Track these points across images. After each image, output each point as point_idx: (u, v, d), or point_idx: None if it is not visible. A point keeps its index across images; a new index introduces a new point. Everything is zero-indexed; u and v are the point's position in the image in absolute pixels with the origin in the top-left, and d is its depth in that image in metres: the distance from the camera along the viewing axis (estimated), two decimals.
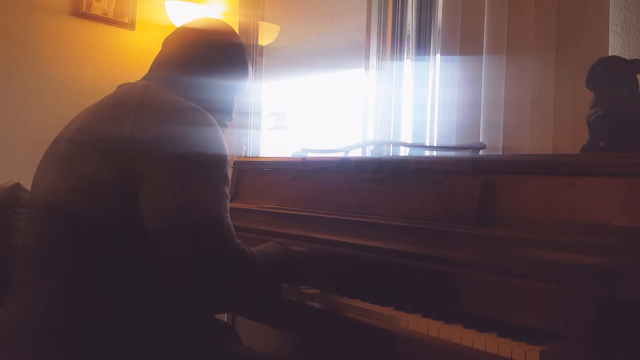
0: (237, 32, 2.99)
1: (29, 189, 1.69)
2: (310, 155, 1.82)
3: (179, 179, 1.08)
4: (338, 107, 3.40)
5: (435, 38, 2.32)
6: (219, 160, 1.14)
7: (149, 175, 1.08)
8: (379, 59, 2.49)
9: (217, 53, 1.34)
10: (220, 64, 1.34)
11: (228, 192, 1.14)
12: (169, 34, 1.39)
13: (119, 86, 1.31)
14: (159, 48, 1.36)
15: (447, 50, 2.15)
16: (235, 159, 2.19)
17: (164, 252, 1.06)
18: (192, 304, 1.12)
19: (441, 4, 2.26)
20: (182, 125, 1.12)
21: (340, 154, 1.72)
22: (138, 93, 1.20)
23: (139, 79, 1.32)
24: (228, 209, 1.12)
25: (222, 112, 1.36)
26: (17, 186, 1.66)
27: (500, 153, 1.90)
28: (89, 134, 1.17)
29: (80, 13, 2.95)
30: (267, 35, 3.09)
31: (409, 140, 2.29)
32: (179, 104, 1.18)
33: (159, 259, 1.07)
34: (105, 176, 1.10)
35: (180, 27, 1.39)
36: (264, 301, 1.37)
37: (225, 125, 1.40)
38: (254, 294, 1.19)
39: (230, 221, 1.11)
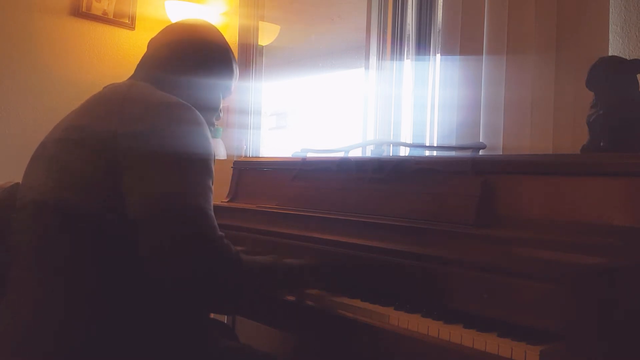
0: (237, 32, 3.01)
1: None
2: (310, 155, 1.82)
3: (160, 169, 1.09)
4: (338, 107, 3.39)
5: (435, 38, 2.32)
6: (202, 153, 1.14)
7: (132, 167, 1.09)
8: (379, 59, 2.49)
9: (201, 51, 1.36)
10: (204, 62, 1.35)
11: (212, 186, 1.14)
12: (155, 35, 1.41)
13: (105, 87, 1.32)
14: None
15: (447, 50, 2.15)
16: (235, 159, 2.19)
17: (145, 241, 1.06)
18: (175, 296, 1.11)
19: (441, 4, 2.26)
20: (166, 119, 1.14)
21: (340, 154, 1.72)
22: (122, 90, 1.22)
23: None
24: (211, 202, 1.12)
25: (207, 110, 1.37)
26: (17, 186, 1.65)
27: (500, 153, 1.90)
28: (75, 133, 1.18)
29: (80, 13, 2.95)
30: (267, 35, 3.08)
31: (409, 140, 2.29)
32: (163, 98, 1.19)
33: (140, 249, 1.07)
34: (93, 172, 1.11)
35: (165, 28, 1.42)
36: (253, 300, 1.35)
37: (213, 124, 1.41)
38: (234, 290, 1.15)
39: (212, 213, 1.11)
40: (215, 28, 1.44)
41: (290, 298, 1.34)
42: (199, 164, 1.13)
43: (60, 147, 1.19)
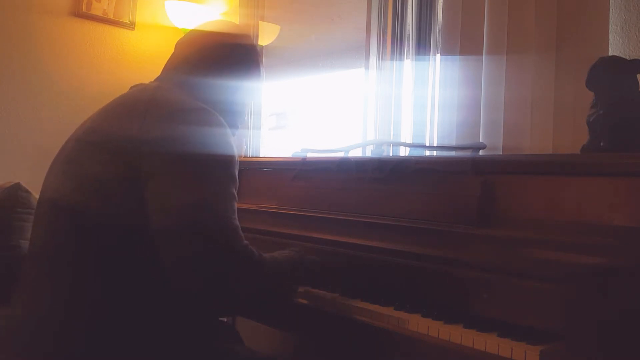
0: None
1: (29, 189, 1.69)
2: (310, 155, 1.82)
3: (184, 178, 1.08)
4: (338, 107, 3.40)
5: (435, 38, 2.32)
6: (225, 161, 1.13)
7: (154, 175, 1.08)
8: (379, 59, 2.49)
9: (230, 55, 1.34)
10: (233, 66, 1.34)
11: (235, 193, 1.13)
12: (183, 36, 1.40)
13: (132, 87, 1.31)
14: (159, 48, 1.36)
15: (447, 50, 2.15)
16: None
17: (169, 253, 1.06)
18: (197, 306, 1.12)
19: (441, 4, 2.26)
20: (189, 125, 1.12)
21: (340, 154, 1.72)
22: (147, 94, 1.21)
23: (142, 79, 1.33)
24: (235, 210, 1.12)
25: (234, 113, 1.36)
26: (17, 186, 1.65)
27: (500, 153, 1.90)
28: (96, 135, 1.18)
29: (80, 13, 2.95)
30: (267, 35, 3.09)
31: (409, 140, 2.29)
32: (186, 104, 1.18)
33: (164, 259, 1.07)
34: (111, 176, 1.10)
35: (193, 30, 1.40)
36: (273, 306, 1.35)
37: (237, 127, 1.40)
38: (260, 298, 1.17)
39: (237, 222, 1.11)
40: (243, 30, 1.42)
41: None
42: (223, 173, 1.12)
43: (78, 149, 1.19)
